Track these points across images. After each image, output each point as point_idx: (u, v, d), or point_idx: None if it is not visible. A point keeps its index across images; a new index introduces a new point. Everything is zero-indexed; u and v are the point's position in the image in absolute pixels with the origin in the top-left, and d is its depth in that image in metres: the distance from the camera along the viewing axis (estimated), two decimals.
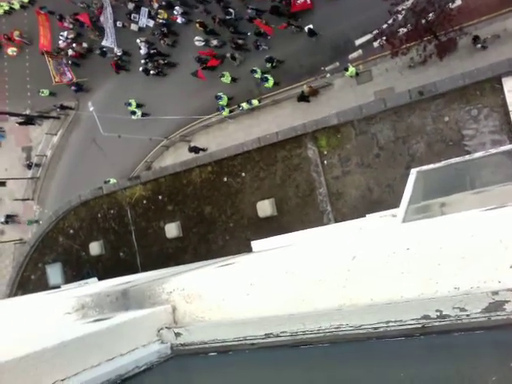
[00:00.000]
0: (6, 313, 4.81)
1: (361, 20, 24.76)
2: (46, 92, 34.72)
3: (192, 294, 2.91)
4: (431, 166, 6.39)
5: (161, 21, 30.51)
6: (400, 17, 22.11)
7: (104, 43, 32.53)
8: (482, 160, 6.77)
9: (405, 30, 21.65)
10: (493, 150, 6.26)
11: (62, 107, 34.84)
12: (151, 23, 31.11)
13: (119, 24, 32.38)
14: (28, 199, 36.60)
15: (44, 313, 3.72)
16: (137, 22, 31.56)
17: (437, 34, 21.40)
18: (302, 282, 2.57)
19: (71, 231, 25.22)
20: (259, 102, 27.69)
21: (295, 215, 19.21)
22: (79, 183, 30.37)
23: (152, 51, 30.66)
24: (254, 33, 26.99)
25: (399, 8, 22.13)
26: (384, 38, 22.71)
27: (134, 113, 30.90)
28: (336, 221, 18.27)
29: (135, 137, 29.31)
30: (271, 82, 26.13)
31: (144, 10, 31.18)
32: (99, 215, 24.37)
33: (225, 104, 28.01)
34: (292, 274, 2.62)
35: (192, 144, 28.79)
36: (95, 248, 24.08)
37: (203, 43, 28.62)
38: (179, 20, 29.86)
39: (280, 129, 20.89)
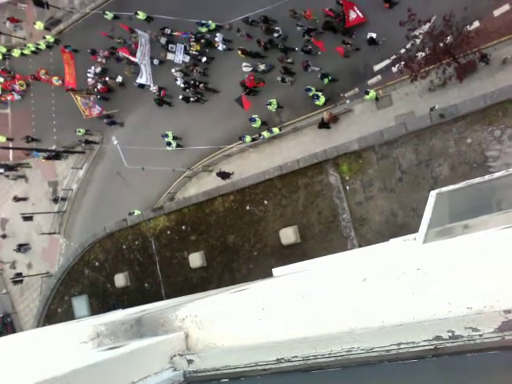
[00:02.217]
0: (26, 344, 4.85)
1: (379, 46, 24.94)
2: (83, 131, 35.38)
3: (205, 320, 2.90)
4: (451, 187, 6.30)
5: (194, 53, 30.91)
6: (418, 41, 22.15)
7: (139, 81, 32.28)
8: (503, 180, 6.65)
9: (423, 54, 21.67)
10: None
11: (87, 142, 35.56)
12: (187, 58, 31.37)
13: (156, 62, 32.42)
14: (54, 233, 37.16)
15: (61, 343, 3.73)
16: (174, 52, 31.70)
17: (456, 57, 21.36)
18: (313, 305, 2.54)
19: (97, 263, 25.47)
20: (280, 129, 27.84)
21: (319, 242, 19.09)
22: (104, 216, 30.76)
23: (193, 81, 30.88)
24: (301, 49, 26.87)
25: (416, 33, 22.19)
26: (402, 62, 22.74)
27: (169, 144, 31.07)
28: (360, 247, 18.07)
29: (158, 168, 29.68)
30: (322, 99, 25.98)
31: (180, 47, 31.42)
32: (124, 247, 24.59)
33: (258, 127, 28.07)
34: (303, 298, 2.59)
35: (221, 169, 28.81)
36: (120, 280, 24.23)
37: (251, 68, 28.49)
38: (220, 47, 29.95)
39: (301, 156, 20.96)
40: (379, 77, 25.20)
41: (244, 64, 28.47)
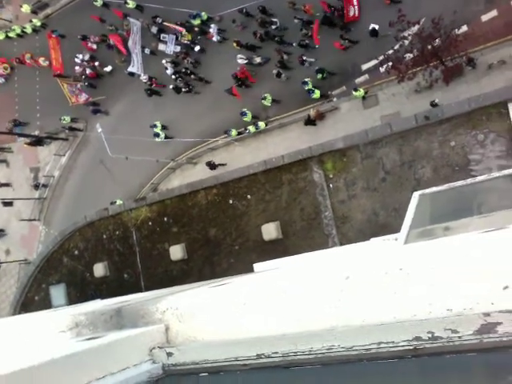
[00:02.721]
0: (2, 332, 4.79)
1: (368, 45, 25.03)
2: (68, 119, 34.87)
3: (185, 313, 2.89)
4: (433, 189, 6.36)
5: (185, 42, 30.60)
6: (406, 42, 22.30)
7: (130, 69, 32.01)
8: (485, 184, 6.73)
9: (411, 55, 21.81)
10: (495, 174, 6.23)
11: (71, 129, 35.14)
12: (178, 49, 31.06)
13: (147, 51, 32.03)
14: (34, 219, 36.75)
15: (39, 331, 3.69)
16: (165, 42, 31.37)
17: (443, 60, 21.54)
18: (295, 302, 2.54)
19: (76, 252, 25.24)
20: (266, 125, 27.83)
21: (300, 238, 19.14)
22: (86, 204, 30.49)
23: (184, 69, 30.58)
24: (298, 44, 26.64)
25: (405, 34, 22.33)
26: (390, 63, 22.88)
27: (157, 135, 30.76)
28: (341, 245, 18.17)
29: (142, 158, 29.48)
30: (318, 93, 25.88)
31: (171, 37, 31.10)
32: (104, 236, 24.40)
33: (249, 120, 27.89)
34: (284, 294, 2.60)
35: (212, 161, 28.52)
36: (100, 269, 24.05)
37: (246, 61, 28.13)
38: (215, 38, 29.57)
39: (286, 152, 20.97)
40: (367, 76, 25.32)
41: (239, 56, 28.11)
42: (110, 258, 24.09)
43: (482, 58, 22.24)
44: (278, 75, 26.91)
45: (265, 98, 27.13)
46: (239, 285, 3.06)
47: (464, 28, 22.32)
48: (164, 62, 31.06)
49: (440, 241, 3.57)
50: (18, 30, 38.04)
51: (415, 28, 22.28)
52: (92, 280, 24.48)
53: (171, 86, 30.75)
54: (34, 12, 37.92)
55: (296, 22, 26.60)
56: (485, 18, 22.48)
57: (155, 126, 30.78)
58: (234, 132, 28.17)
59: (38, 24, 37.41)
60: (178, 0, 30.64)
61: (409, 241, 5.14)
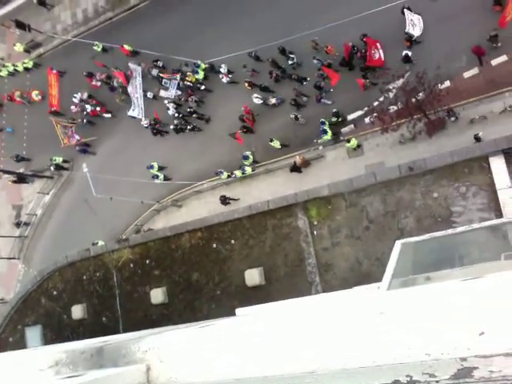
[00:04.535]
0: None
1: (354, 96, 25.64)
2: (59, 159, 34.65)
3: (167, 353, 2.89)
4: (415, 238, 6.47)
5: (188, 83, 30.77)
6: (391, 95, 22.94)
7: (130, 113, 31.94)
8: (466, 235, 6.86)
9: (395, 107, 22.40)
10: (476, 225, 6.36)
11: (57, 167, 35.05)
12: (179, 93, 31.13)
13: (150, 95, 32.09)
14: (14, 258, 36.11)
15: (18, 369, 3.63)
16: (167, 88, 31.53)
17: (426, 113, 22.14)
18: (276, 345, 2.57)
19: (55, 293, 24.77)
20: (253, 170, 28.09)
21: (283, 285, 19.04)
22: (68, 244, 30.12)
23: (188, 108, 30.60)
24: (314, 85, 26.67)
25: (390, 86, 23.02)
26: (375, 114, 23.48)
27: (156, 176, 30.49)
28: (324, 292, 18.10)
29: (127, 199, 29.39)
30: (330, 134, 25.91)
31: (174, 83, 31.28)
32: (84, 277, 24.03)
33: (249, 164, 27.96)
34: (266, 338, 2.62)
35: (223, 194, 28.13)
36: (78, 311, 23.56)
37: (261, 101, 28.08)
38: (225, 80, 29.50)
39: (272, 197, 21.11)
40: (352, 126, 25.85)
41: (255, 95, 28.08)
42: (89, 300, 23.66)
43: (463, 113, 22.93)
44: (296, 119, 26.85)
45: (272, 140, 27.13)
46: (222, 327, 3.08)
47: (447, 83, 23.09)
48: (166, 102, 31.24)
49: (420, 288, 3.63)
50: (11, 69, 38.42)
51: (400, 81, 23.00)
52: (69, 322, 23.94)
53: (172, 127, 30.76)
54: (27, 51, 38.47)
55: (315, 63, 26.61)
56: (467, 74, 23.33)
57: (152, 167, 30.58)
58: (224, 175, 28.21)
59: (30, 64, 37.81)
60: (174, 46, 31.33)
61: (391, 288, 5.19)
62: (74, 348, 3.35)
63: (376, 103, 24.14)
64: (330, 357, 2.40)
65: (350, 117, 25.70)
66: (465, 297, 2.44)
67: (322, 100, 26.49)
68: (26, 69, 38.25)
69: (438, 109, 22.09)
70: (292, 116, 26.80)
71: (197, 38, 30.68)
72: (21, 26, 36.94)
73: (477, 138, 20.74)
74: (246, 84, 28.48)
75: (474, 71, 23.21)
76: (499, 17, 22.06)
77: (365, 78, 25.26)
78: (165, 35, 32.16)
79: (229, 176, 28.37)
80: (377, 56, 24.93)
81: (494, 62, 22.72)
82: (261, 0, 29.39)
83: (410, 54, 23.95)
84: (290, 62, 27.46)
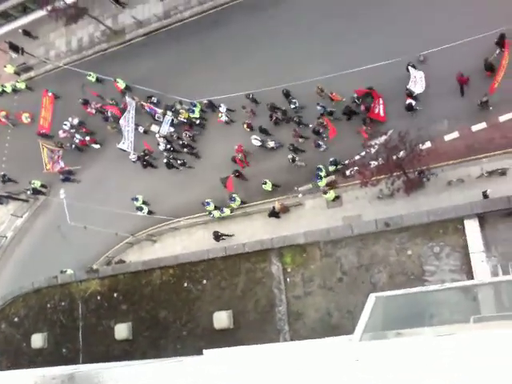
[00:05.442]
0: None
1: (337, 149, 26.02)
2: (38, 183, 34.12)
3: None
4: (389, 292, 6.48)
5: (181, 119, 30.86)
6: (373, 150, 23.34)
7: (119, 146, 31.83)
8: (438, 294, 6.89)
9: (376, 163, 22.76)
10: (448, 285, 6.41)
11: (34, 191, 34.51)
12: (172, 130, 31.21)
13: (141, 129, 32.23)
14: None
15: None
16: (160, 123, 31.58)
17: (406, 171, 22.53)
18: None
19: (16, 319, 24.00)
20: (231, 211, 28.02)
21: (252, 331, 18.74)
22: (36, 270, 29.38)
23: (181, 142, 30.58)
24: (312, 130, 26.79)
25: (372, 142, 23.48)
26: (356, 168, 23.81)
27: (140, 209, 30.21)
28: (292, 341, 17.83)
29: (101, 230, 28.97)
30: (324, 181, 25.80)
31: (168, 119, 31.37)
32: (49, 305, 23.37)
33: (236, 207, 27.82)
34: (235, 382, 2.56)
35: (218, 231, 27.57)
36: (38, 340, 22.80)
37: (260, 143, 28.05)
38: (223, 119, 29.59)
39: (248, 240, 21.01)
40: (333, 177, 26.12)
41: (254, 137, 28.11)
42: (50, 330, 22.94)
43: (442, 174, 23.40)
44: (293, 160, 26.84)
45: (265, 183, 27.03)
46: (188, 365, 3.01)
47: (428, 144, 23.63)
48: (157, 136, 31.26)
49: (392, 340, 3.61)
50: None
51: (382, 138, 23.49)
52: (28, 351, 23.12)
53: (165, 160, 30.54)
54: (17, 73, 38.52)
55: (318, 109, 26.75)
56: (447, 137, 23.96)
57: (136, 199, 30.31)
58: (211, 205, 28.01)
59: (23, 86, 37.80)
60: (167, 83, 31.79)
61: (363, 339, 5.15)
62: (44, 373, 3.22)
63: (357, 157, 24.56)
64: None
65: (331, 168, 25.87)
66: (432, 350, 2.44)
67: (321, 146, 26.62)
68: (14, 90, 38.21)
69: (417, 168, 22.51)
70: (289, 157, 26.80)
71: (194, 75, 31.13)
72: (14, 48, 37.12)
73: (485, 195, 20.80)
74: (245, 125, 28.66)
75: (455, 135, 23.85)
76: (490, 83, 22.63)
77: (365, 125, 25.54)
78: (158, 71, 32.64)
79: (216, 208, 28.11)
80: (376, 111, 25.42)
81: (474, 128, 23.40)
82: (262, 42, 30.01)
83: (413, 103, 24.41)
84: (292, 106, 27.70)
